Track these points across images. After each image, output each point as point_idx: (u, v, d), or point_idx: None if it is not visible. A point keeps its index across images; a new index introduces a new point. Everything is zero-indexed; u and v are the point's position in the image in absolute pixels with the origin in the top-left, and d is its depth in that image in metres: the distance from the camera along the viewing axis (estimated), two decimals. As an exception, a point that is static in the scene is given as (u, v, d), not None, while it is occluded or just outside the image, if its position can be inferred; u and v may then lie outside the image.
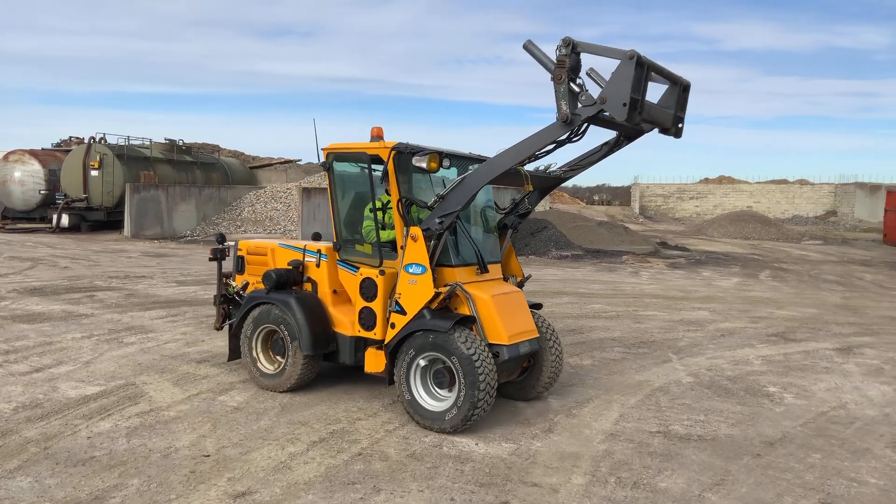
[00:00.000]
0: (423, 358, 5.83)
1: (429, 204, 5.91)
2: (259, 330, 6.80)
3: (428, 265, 5.79)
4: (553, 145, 5.82)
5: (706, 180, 54.44)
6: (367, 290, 6.21)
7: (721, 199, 50.49)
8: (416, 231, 5.82)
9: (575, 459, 5.28)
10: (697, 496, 4.72)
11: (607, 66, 5.19)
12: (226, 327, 7.44)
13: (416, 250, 5.83)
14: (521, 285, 6.77)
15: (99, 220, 27.76)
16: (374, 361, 6.25)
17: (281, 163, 42.32)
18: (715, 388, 7.32)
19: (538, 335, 6.36)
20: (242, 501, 4.46)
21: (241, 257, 7.44)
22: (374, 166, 6.03)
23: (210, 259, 7.31)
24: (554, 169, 6.50)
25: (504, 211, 6.88)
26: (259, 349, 6.88)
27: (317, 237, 7.80)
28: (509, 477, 4.93)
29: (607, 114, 5.23)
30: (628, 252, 21.88)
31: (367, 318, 6.25)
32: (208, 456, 5.16)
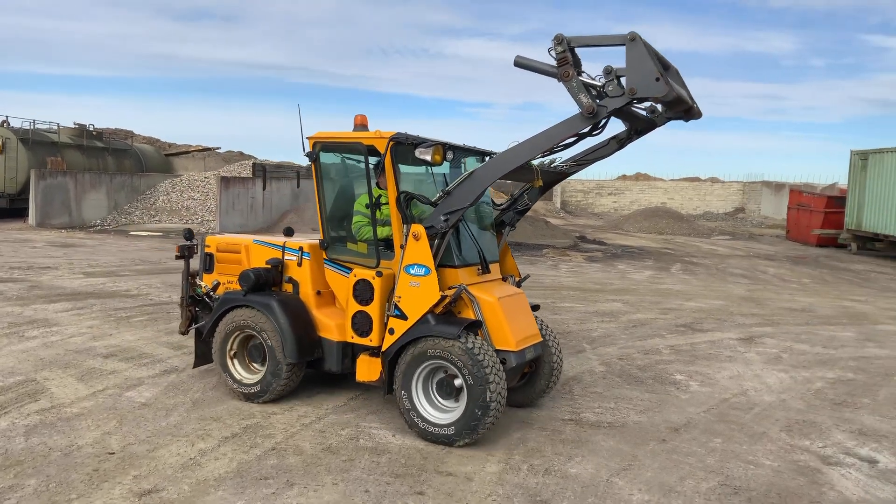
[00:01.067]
0: (426, 366, 5.42)
1: (433, 200, 5.48)
2: (235, 335, 6.23)
3: (433, 266, 5.36)
4: (574, 138, 5.58)
5: (624, 177, 55.99)
6: (362, 292, 5.75)
7: (637, 195, 52.00)
8: (418, 229, 5.37)
9: (489, 448, 5.37)
10: (606, 481, 4.88)
11: (603, 60, 5.14)
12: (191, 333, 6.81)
13: (418, 250, 5.38)
14: (518, 285, 6.47)
15: (1, 207, 26.24)
16: (368, 369, 5.78)
17: (199, 150, 40.97)
18: (625, 376, 7.57)
19: (541, 339, 6.07)
20: (148, 499, 4.32)
21: (210, 255, 6.81)
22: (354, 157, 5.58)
23: (177, 257, 6.70)
24: (558, 163, 6.28)
25: (501, 207, 6.56)
26: (234, 356, 6.31)
27: (289, 233, 7.20)
28: (424, 467, 4.97)
29: (633, 104, 5.08)
30: (549, 245, 22.32)
31: (361, 323, 5.80)
32: (113, 454, 4.97)
